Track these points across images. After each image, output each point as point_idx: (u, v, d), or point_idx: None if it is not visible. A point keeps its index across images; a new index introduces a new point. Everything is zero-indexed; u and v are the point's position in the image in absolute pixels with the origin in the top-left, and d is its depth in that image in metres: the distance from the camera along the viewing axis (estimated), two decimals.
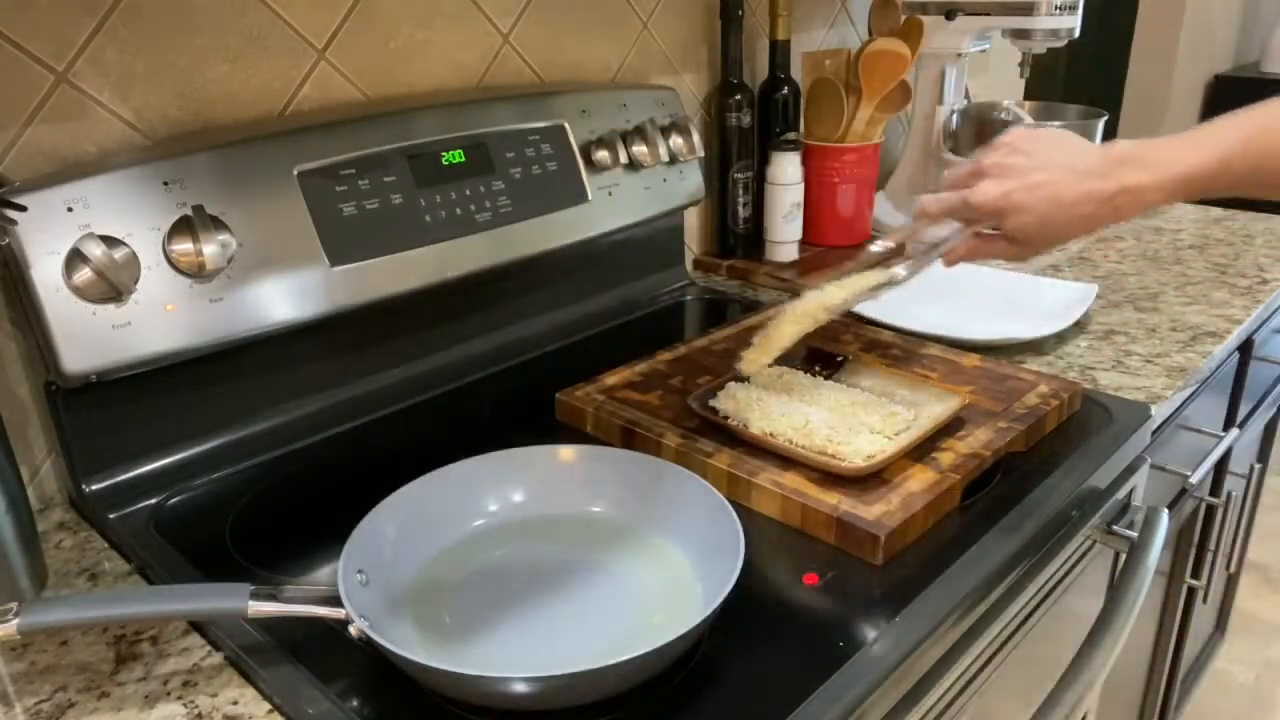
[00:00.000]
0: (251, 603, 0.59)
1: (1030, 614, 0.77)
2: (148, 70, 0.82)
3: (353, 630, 0.58)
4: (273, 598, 0.60)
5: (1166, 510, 0.84)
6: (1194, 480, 1.05)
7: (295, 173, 0.84)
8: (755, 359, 0.81)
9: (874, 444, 0.76)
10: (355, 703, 0.58)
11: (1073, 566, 0.82)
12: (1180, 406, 1.04)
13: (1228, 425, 1.28)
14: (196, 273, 0.77)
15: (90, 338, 0.74)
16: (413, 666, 0.55)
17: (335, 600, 0.58)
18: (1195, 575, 1.36)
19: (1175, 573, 1.33)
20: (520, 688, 0.54)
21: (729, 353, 0.99)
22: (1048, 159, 0.68)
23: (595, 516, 0.73)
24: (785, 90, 1.33)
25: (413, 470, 0.71)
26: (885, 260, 0.77)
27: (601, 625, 0.63)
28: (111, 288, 0.73)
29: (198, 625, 0.66)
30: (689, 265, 1.35)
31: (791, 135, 1.31)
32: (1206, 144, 0.65)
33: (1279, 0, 3.53)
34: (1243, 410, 1.31)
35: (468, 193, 0.96)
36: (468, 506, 0.73)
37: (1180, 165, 0.64)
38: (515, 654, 0.61)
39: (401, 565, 0.67)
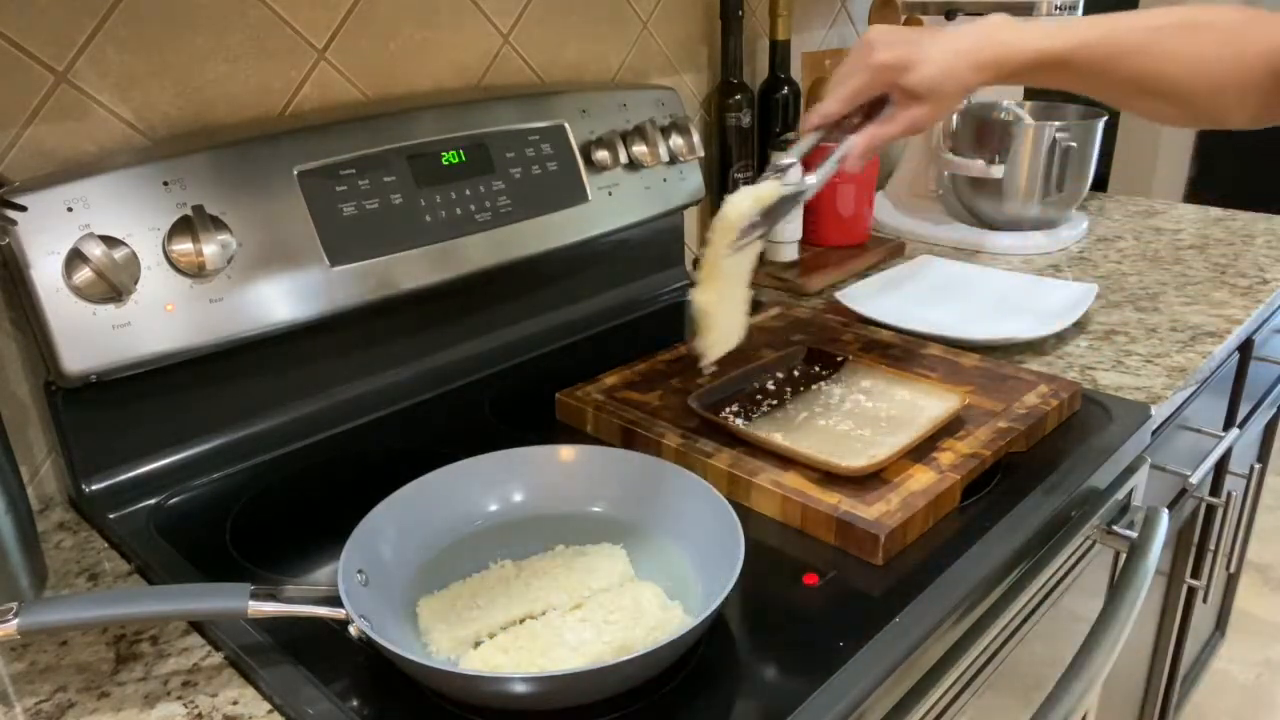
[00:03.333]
0: (251, 603, 0.59)
1: (1030, 614, 0.77)
2: (148, 70, 0.82)
3: (353, 630, 0.58)
4: (273, 598, 0.60)
5: (1166, 510, 0.84)
6: (1194, 480, 1.05)
7: (295, 173, 0.84)
8: (707, 310, 0.73)
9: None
10: (355, 703, 0.58)
11: (1073, 566, 0.82)
12: (1180, 406, 1.04)
13: (1228, 425, 1.28)
14: (196, 273, 0.77)
15: (90, 338, 0.74)
16: (413, 666, 0.55)
17: (335, 600, 0.58)
18: (1195, 575, 1.36)
19: (1175, 573, 1.33)
20: (520, 688, 0.55)
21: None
22: (920, 31, 0.72)
23: (595, 516, 0.73)
24: (785, 90, 1.33)
25: (413, 470, 0.71)
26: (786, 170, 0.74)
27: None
28: (111, 288, 0.73)
29: (198, 625, 0.66)
30: (689, 265, 1.35)
31: (791, 135, 1.31)
32: (1064, 33, 0.71)
33: (1278, 0, 3.53)
34: (1243, 410, 1.31)
35: (468, 193, 0.96)
36: (468, 506, 0.73)
37: (1037, 46, 0.71)
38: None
39: (401, 565, 0.67)
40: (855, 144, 0.72)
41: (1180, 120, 0.72)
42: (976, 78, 0.70)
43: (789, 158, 0.73)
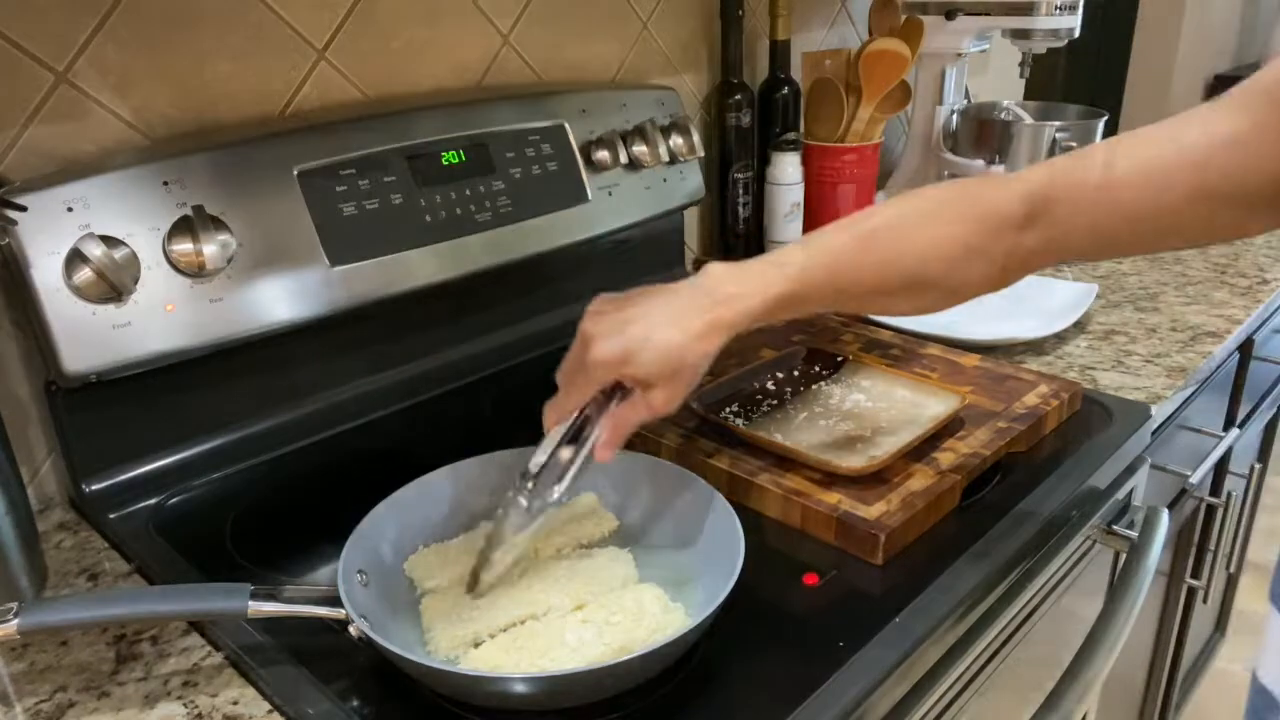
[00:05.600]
0: (251, 603, 0.59)
1: (1030, 614, 0.77)
2: (148, 70, 0.82)
3: (353, 630, 0.58)
4: (273, 598, 0.60)
5: (1166, 510, 0.84)
6: (1194, 480, 1.05)
7: (295, 173, 0.84)
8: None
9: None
10: (355, 703, 0.58)
11: (1073, 567, 0.82)
12: (1180, 406, 1.04)
13: (1228, 425, 1.28)
14: (196, 273, 0.77)
15: (90, 338, 0.74)
16: (413, 666, 0.55)
17: (335, 600, 0.58)
18: (1195, 575, 1.36)
19: (1175, 573, 1.33)
20: (520, 688, 0.55)
21: (728, 353, 0.98)
22: (640, 302, 0.65)
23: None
24: (785, 90, 1.33)
25: (413, 470, 0.71)
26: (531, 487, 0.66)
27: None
28: (111, 288, 0.73)
29: (198, 625, 0.66)
30: (689, 265, 1.34)
31: (791, 135, 1.31)
32: (786, 270, 0.65)
33: (1279, 1, 3.53)
34: (1243, 410, 1.31)
35: (468, 193, 0.96)
36: (468, 507, 0.72)
37: (764, 291, 0.65)
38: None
39: (402, 565, 0.67)
40: (601, 434, 0.66)
41: (934, 306, 0.68)
42: (708, 347, 0.64)
43: (540, 455, 0.66)
